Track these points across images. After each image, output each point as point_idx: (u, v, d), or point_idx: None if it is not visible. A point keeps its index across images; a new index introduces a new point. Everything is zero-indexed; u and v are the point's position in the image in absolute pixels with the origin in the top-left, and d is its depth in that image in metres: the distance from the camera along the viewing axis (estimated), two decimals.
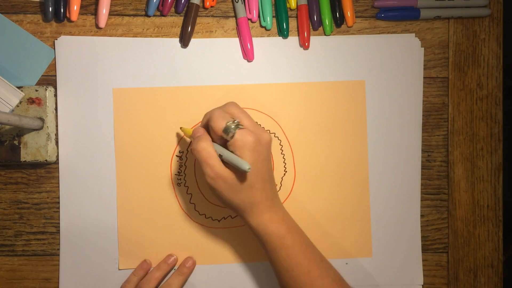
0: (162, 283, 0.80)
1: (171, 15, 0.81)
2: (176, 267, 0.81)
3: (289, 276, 0.72)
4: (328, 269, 0.73)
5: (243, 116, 0.72)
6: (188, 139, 0.81)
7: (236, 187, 0.70)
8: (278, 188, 0.82)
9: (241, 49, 0.81)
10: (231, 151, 0.69)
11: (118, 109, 0.81)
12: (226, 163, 0.70)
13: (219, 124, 0.69)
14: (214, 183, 0.70)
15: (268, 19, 0.81)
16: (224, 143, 0.70)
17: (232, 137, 0.69)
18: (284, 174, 0.82)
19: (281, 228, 0.72)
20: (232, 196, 0.71)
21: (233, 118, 0.71)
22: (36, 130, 0.77)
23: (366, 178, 0.82)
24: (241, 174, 0.70)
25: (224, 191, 0.70)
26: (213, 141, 0.71)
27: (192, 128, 0.80)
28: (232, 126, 0.69)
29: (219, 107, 0.73)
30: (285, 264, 0.72)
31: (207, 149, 0.70)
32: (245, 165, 0.67)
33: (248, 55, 0.81)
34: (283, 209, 0.75)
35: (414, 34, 0.83)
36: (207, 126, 0.73)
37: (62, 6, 0.79)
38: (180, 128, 0.80)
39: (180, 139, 0.81)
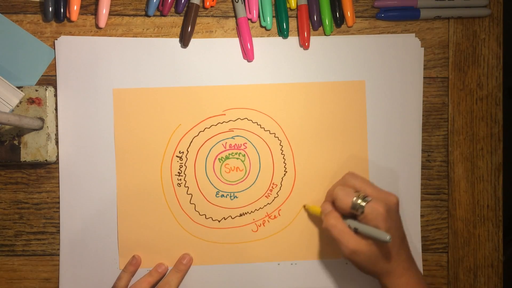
0: (160, 282, 0.80)
1: (171, 15, 0.81)
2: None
3: None
4: None
5: (365, 186, 0.73)
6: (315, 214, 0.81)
7: (374, 257, 0.71)
8: (278, 188, 0.82)
9: (241, 49, 0.81)
10: (365, 223, 0.71)
11: (118, 109, 0.81)
12: (359, 234, 0.71)
13: (346, 203, 0.71)
14: (352, 258, 0.72)
15: (268, 19, 0.81)
16: (354, 216, 0.72)
17: (362, 212, 0.70)
18: (284, 174, 0.82)
19: None
20: (371, 266, 0.72)
21: (356, 191, 0.72)
22: (36, 130, 0.77)
23: (366, 176, 0.82)
24: (376, 245, 0.70)
25: (363, 262, 0.72)
26: (343, 214, 0.73)
27: (317, 206, 0.80)
28: (359, 202, 0.70)
29: (340, 183, 0.77)
30: None
31: (338, 226, 0.72)
32: (385, 236, 0.67)
33: (248, 55, 0.81)
34: (418, 271, 0.75)
35: (414, 34, 0.83)
36: (332, 202, 0.75)
37: (62, 6, 0.79)
38: (304, 206, 0.82)
39: (180, 140, 0.81)
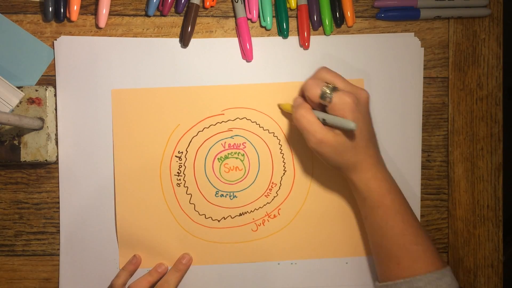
0: (160, 281, 0.80)
1: (171, 15, 0.81)
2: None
3: (382, 235, 0.73)
4: (424, 236, 0.73)
5: (336, 79, 0.73)
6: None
7: (341, 149, 0.71)
8: (277, 188, 0.82)
9: (240, 49, 0.81)
10: (333, 114, 0.70)
11: (116, 110, 0.81)
12: (327, 126, 0.71)
13: (314, 92, 0.71)
14: (318, 148, 0.72)
15: (268, 19, 0.81)
16: (323, 109, 0.72)
17: (330, 101, 0.70)
18: (284, 174, 0.82)
19: (383, 187, 0.73)
20: (337, 158, 0.72)
21: (326, 83, 0.72)
22: (36, 130, 0.77)
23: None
24: (343, 136, 0.71)
25: (329, 153, 0.72)
26: (313, 109, 0.73)
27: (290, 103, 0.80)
28: (328, 91, 0.70)
29: (311, 76, 0.75)
30: (381, 223, 0.73)
31: (307, 117, 0.72)
32: (350, 124, 0.67)
33: (247, 55, 0.81)
34: (386, 168, 0.75)
35: (413, 34, 0.83)
36: (304, 95, 0.75)
37: (62, 6, 0.79)
38: (278, 105, 0.81)
39: (179, 140, 0.81)
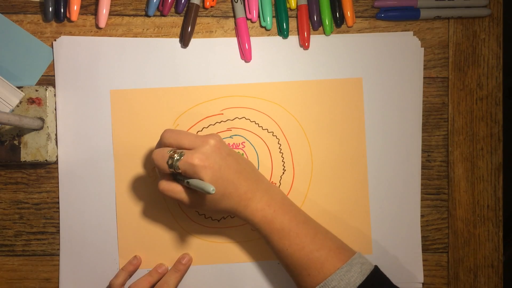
0: (159, 281, 0.80)
1: (171, 15, 0.81)
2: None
3: (285, 256, 0.73)
4: (323, 240, 0.73)
5: (179, 140, 0.71)
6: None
7: (214, 201, 0.71)
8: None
9: (239, 49, 0.81)
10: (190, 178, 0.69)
11: (116, 111, 0.81)
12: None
13: (162, 167, 0.69)
14: (194, 208, 0.74)
15: (268, 19, 0.81)
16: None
17: (179, 169, 0.68)
18: (283, 173, 0.82)
19: (267, 214, 0.72)
20: (215, 208, 0.72)
21: (171, 150, 0.70)
22: (36, 130, 0.77)
23: (365, 176, 0.82)
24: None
25: (205, 208, 0.72)
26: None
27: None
28: (174, 161, 0.68)
29: (157, 144, 0.74)
30: (278, 247, 0.73)
31: (169, 188, 0.71)
32: (208, 187, 0.66)
33: (245, 55, 0.81)
34: (269, 192, 0.74)
35: (413, 33, 0.83)
36: None
37: (62, 6, 0.79)
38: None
39: None
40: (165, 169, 0.69)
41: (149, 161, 0.81)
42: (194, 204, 0.71)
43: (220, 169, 0.69)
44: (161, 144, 0.72)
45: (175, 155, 0.69)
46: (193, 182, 0.68)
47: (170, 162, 0.69)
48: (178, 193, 0.71)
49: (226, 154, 0.71)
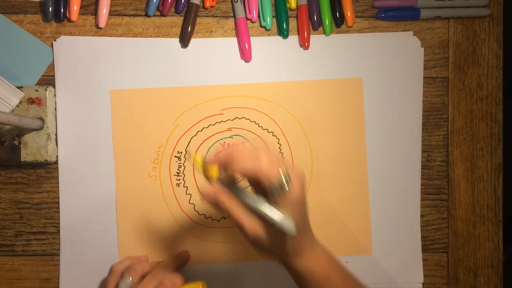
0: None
1: (171, 15, 0.81)
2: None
3: None
4: None
5: (282, 163, 0.60)
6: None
7: (277, 241, 0.62)
8: None
9: (239, 49, 0.81)
10: (267, 202, 0.60)
11: (116, 111, 0.81)
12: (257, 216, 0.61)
13: (271, 177, 0.58)
14: (255, 243, 0.63)
15: (268, 19, 0.81)
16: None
17: (281, 194, 0.58)
18: None
19: (326, 268, 0.66)
20: (275, 249, 0.64)
21: (281, 167, 0.59)
22: (36, 130, 0.77)
23: (365, 176, 0.82)
24: (278, 232, 0.60)
25: (267, 247, 0.63)
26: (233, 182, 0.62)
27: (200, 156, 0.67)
28: (285, 180, 0.58)
29: (262, 150, 0.60)
30: None
31: (234, 209, 0.60)
32: (292, 230, 0.57)
33: (246, 55, 0.81)
34: (323, 247, 0.68)
35: (413, 33, 0.83)
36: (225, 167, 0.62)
37: (62, 6, 0.79)
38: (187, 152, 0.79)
39: (178, 140, 0.81)
40: (268, 182, 0.58)
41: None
42: (257, 237, 0.61)
43: (303, 206, 0.63)
44: (266, 152, 0.61)
45: (286, 174, 0.59)
46: (274, 215, 0.58)
47: (283, 178, 0.58)
48: (244, 216, 0.60)
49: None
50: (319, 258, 0.66)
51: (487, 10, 0.83)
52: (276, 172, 0.58)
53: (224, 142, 0.81)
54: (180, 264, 0.81)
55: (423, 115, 0.83)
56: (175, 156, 0.81)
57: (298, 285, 0.68)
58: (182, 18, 0.81)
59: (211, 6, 0.82)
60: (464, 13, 0.82)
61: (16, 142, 0.78)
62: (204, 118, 0.81)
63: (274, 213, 0.58)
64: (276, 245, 0.62)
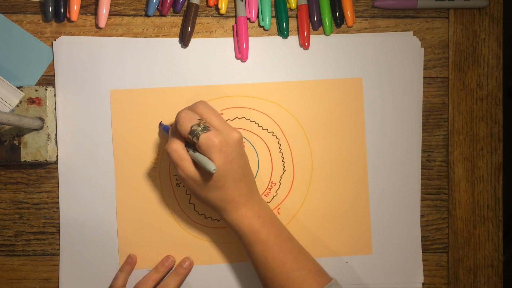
0: (159, 284, 0.80)
1: (171, 15, 0.81)
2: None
3: (265, 269, 0.73)
4: (305, 260, 0.74)
5: (211, 116, 0.72)
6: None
7: (207, 187, 0.71)
8: (277, 187, 0.82)
9: (235, 48, 0.81)
10: (200, 152, 0.70)
11: (116, 111, 0.81)
12: (196, 164, 0.71)
13: (185, 127, 0.70)
14: (185, 183, 0.72)
15: (267, 19, 0.81)
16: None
17: (197, 140, 0.69)
18: (283, 173, 0.82)
19: (255, 223, 0.73)
20: (204, 195, 0.72)
21: (200, 119, 0.71)
22: (36, 130, 0.77)
23: (365, 176, 0.82)
24: (208, 176, 0.70)
25: (196, 190, 0.72)
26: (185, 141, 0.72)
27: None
28: (198, 129, 0.69)
29: (187, 108, 0.74)
30: (260, 258, 0.73)
31: (178, 151, 0.71)
32: (210, 165, 0.67)
33: (242, 54, 0.81)
34: (260, 204, 0.75)
35: (413, 33, 0.83)
36: None
37: (62, 6, 0.79)
38: (160, 124, 0.81)
39: None
40: (185, 131, 0.70)
41: (162, 137, 0.81)
42: (190, 178, 0.71)
43: (231, 162, 0.70)
44: (190, 109, 0.73)
45: (201, 125, 0.70)
46: (199, 157, 0.69)
47: (194, 128, 0.69)
48: (183, 160, 0.71)
49: (241, 153, 0.72)
50: (248, 216, 0.73)
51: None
52: (188, 126, 0.70)
53: None
54: (187, 273, 0.82)
55: (423, 115, 0.83)
56: None
57: (238, 241, 0.76)
58: (182, 18, 0.81)
59: (215, 4, 0.81)
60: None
61: (16, 142, 0.78)
62: None
63: (198, 155, 0.70)
64: (203, 191, 0.72)
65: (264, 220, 0.74)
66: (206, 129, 0.69)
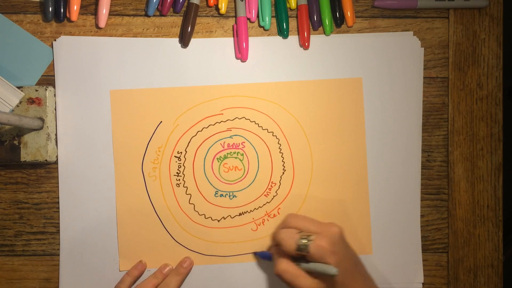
0: (160, 284, 0.80)
1: (171, 15, 0.81)
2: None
3: None
4: None
5: (305, 224, 0.74)
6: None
7: None
8: (277, 187, 0.82)
9: (235, 48, 0.81)
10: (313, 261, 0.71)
11: (115, 110, 0.81)
12: (312, 275, 0.71)
13: (290, 245, 0.71)
14: None
15: (267, 19, 0.81)
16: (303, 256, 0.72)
17: (308, 252, 0.70)
18: (283, 173, 0.82)
19: None
20: None
21: (299, 231, 0.72)
22: (36, 130, 0.77)
23: (365, 176, 0.82)
24: (329, 281, 0.71)
25: None
26: (293, 256, 0.72)
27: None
28: (304, 242, 0.70)
29: (281, 226, 0.76)
30: None
31: (290, 270, 0.71)
32: (332, 270, 0.68)
33: (242, 54, 0.81)
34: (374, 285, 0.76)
35: (412, 33, 0.83)
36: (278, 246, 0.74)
37: (62, 6, 0.79)
38: (255, 253, 0.82)
39: (178, 140, 0.81)
40: (292, 248, 0.71)
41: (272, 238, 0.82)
42: None
43: (344, 258, 0.71)
44: (285, 225, 0.75)
45: (304, 236, 0.71)
46: (316, 266, 0.70)
47: (299, 242, 0.70)
48: (298, 276, 0.71)
49: (346, 245, 0.74)
50: None
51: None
52: (293, 243, 0.71)
53: (224, 142, 0.81)
54: (187, 272, 0.82)
55: (423, 115, 0.83)
56: (175, 156, 0.81)
57: None
58: (182, 18, 0.81)
59: (215, 4, 0.81)
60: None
61: (16, 142, 0.78)
62: (204, 118, 0.81)
63: (313, 265, 0.70)
64: None
65: None
66: (310, 238, 0.70)
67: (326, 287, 0.71)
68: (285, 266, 0.72)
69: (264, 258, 0.80)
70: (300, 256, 0.71)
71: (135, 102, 0.81)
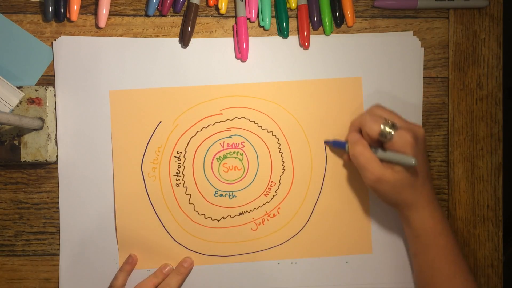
0: (161, 284, 0.80)
1: (171, 15, 0.81)
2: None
3: (432, 275, 0.74)
4: (472, 281, 0.74)
5: (392, 116, 0.74)
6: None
7: (399, 186, 0.72)
8: (277, 187, 0.82)
9: (235, 48, 0.81)
10: (392, 151, 0.71)
11: (115, 111, 0.81)
12: (384, 163, 0.72)
13: (374, 129, 0.71)
14: (376, 185, 0.73)
15: (267, 19, 0.81)
16: (380, 145, 0.73)
17: (390, 139, 0.70)
18: (283, 173, 0.82)
19: (438, 226, 0.73)
20: (395, 195, 0.73)
21: (385, 119, 0.72)
22: (36, 130, 0.77)
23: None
24: (402, 173, 0.71)
25: (386, 191, 0.73)
26: (370, 144, 0.74)
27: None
28: (388, 128, 0.71)
29: (368, 112, 0.76)
30: (432, 263, 0.74)
31: (364, 154, 0.72)
32: (412, 160, 0.68)
33: (242, 54, 0.81)
34: (441, 207, 0.75)
35: (412, 33, 0.83)
36: (359, 131, 0.76)
37: (62, 6, 0.79)
38: (325, 142, 0.82)
39: (178, 140, 0.81)
40: (375, 132, 0.71)
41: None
42: (379, 179, 0.71)
43: (422, 157, 0.73)
44: (371, 112, 0.75)
45: (389, 123, 0.71)
46: (396, 155, 0.70)
47: (384, 127, 0.71)
48: (372, 161, 0.71)
49: (426, 150, 0.75)
50: (434, 216, 0.73)
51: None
52: (377, 128, 0.71)
53: (224, 142, 0.81)
54: (188, 272, 0.82)
55: (423, 115, 0.83)
56: (175, 156, 0.81)
57: (409, 239, 0.77)
58: (182, 18, 0.81)
59: (215, 4, 0.81)
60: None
61: (16, 142, 0.78)
62: (204, 118, 0.81)
63: (394, 154, 0.71)
64: (394, 192, 0.72)
65: (445, 225, 0.74)
66: (395, 127, 0.71)
67: (397, 179, 0.71)
68: (362, 149, 0.72)
69: (337, 146, 0.80)
70: (377, 146, 0.73)
71: (134, 102, 0.81)
